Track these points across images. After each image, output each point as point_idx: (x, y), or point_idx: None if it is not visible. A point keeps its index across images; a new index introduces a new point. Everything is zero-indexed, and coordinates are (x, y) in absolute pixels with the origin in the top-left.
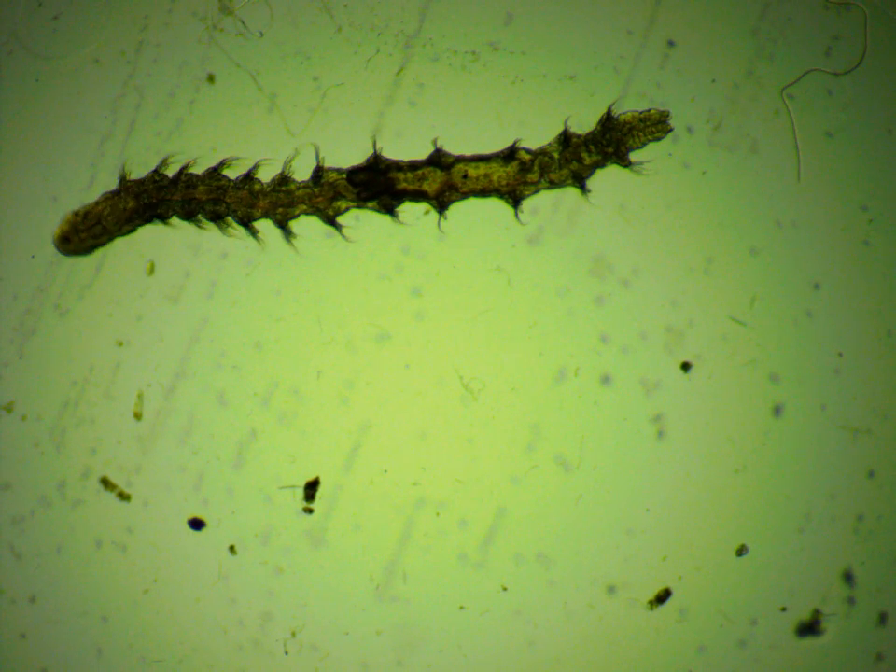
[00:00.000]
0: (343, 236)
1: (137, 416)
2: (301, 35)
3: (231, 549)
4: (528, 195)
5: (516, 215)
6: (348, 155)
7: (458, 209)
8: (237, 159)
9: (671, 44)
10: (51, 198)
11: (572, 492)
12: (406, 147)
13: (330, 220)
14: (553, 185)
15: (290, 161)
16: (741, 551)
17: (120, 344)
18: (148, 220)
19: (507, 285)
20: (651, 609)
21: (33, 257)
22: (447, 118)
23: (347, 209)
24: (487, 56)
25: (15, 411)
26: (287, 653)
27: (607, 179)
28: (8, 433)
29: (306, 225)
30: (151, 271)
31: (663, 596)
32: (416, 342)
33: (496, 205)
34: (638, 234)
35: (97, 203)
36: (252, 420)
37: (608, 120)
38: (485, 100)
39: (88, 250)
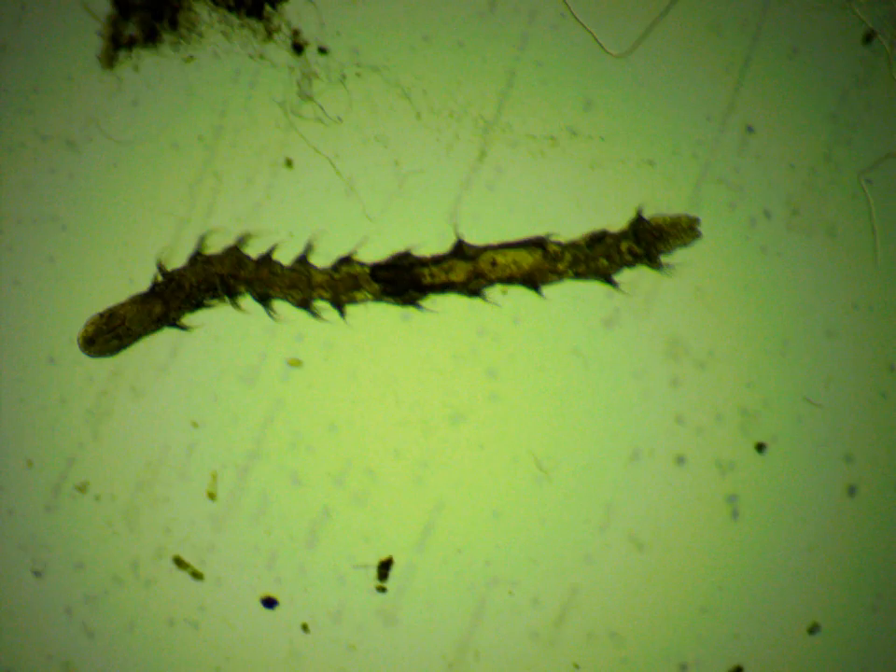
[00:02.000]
0: (346, 322)
1: (211, 496)
2: (380, 120)
3: (304, 627)
4: (553, 283)
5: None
6: (426, 239)
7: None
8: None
9: (750, 129)
10: (128, 280)
11: (645, 571)
12: (484, 231)
13: (338, 306)
14: (578, 277)
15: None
16: (813, 629)
17: (195, 425)
18: (181, 315)
19: (583, 367)
20: None
21: None
22: (525, 202)
23: (364, 300)
24: (566, 141)
25: (89, 491)
26: None
27: (683, 261)
28: (82, 513)
29: (382, 307)
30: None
31: None
32: (491, 422)
33: (571, 288)
34: (715, 316)
35: (123, 304)
36: (326, 499)
37: (638, 223)
38: (564, 185)
39: (113, 351)
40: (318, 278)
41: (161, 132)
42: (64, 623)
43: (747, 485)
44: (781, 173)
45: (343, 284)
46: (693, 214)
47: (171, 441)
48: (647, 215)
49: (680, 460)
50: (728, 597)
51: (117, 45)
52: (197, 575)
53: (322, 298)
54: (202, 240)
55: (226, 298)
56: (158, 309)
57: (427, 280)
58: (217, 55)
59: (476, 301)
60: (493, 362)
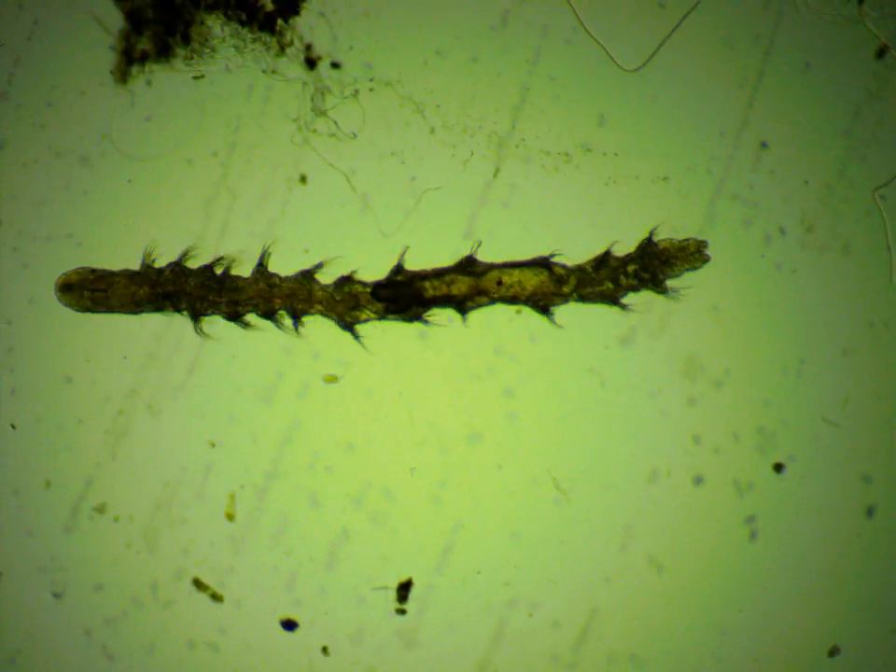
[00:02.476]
0: (362, 345)
1: (230, 517)
2: (394, 136)
3: (324, 650)
4: (558, 305)
5: (549, 319)
6: (440, 255)
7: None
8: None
9: (764, 145)
10: None
11: (665, 592)
12: (498, 248)
13: (348, 327)
14: (583, 300)
15: (268, 252)
16: (833, 652)
17: (213, 445)
18: (160, 309)
19: (599, 386)
20: None
21: (124, 358)
22: (540, 219)
23: (367, 320)
24: (580, 157)
25: (107, 512)
26: None
27: (699, 280)
28: (101, 534)
29: (400, 328)
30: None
31: None
32: (508, 442)
33: (587, 307)
34: (731, 335)
35: (115, 274)
36: (345, 520)
37: (647, 246)
38: (578, 201)
39: (81, 309)
40: (319, 294)
41: (174, 147)
42: (84, 645)
43: (765, 506)
44: (796, 189)
45: (345, 304)
46: (700, 238)
47: (188, 462)
48: (658, 236)
49: (698, 480)
50: (747, 619)
51: (130, 59)
52: (216, 597)
53: (323, 315)
54: (220, 259)
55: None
56: (142, 294)
57: (430, 293)
58: (230, 70)
59: (493, 320)
60: (510, 381)
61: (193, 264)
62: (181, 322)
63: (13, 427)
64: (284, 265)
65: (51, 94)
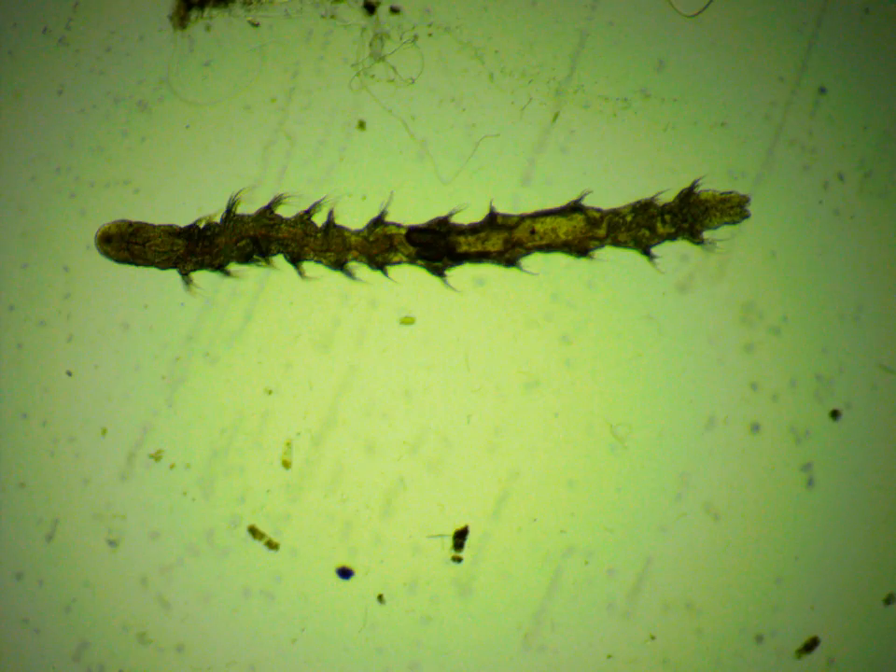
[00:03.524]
0: (389, 277)
1: (286, 465)
2: (453, 81)
3: (380, 598)
4: (593, 249)
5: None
6: (498, 202)
7: (607, 256)
8: (291, 196)
9: (822, 91)
10: None
11: (721, 540)
12: (556, 194)
13: (379, 266)
14: (618, 245)
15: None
16: (890, 599)
17: (270, 392)
18: (200, 267)
19: (657, 332)
20: (799, 657)
21: (182, 304)
22: (598, 165)
23: (399, 262)
24: (638, 103)
25: (163, 459)
26: None
27: (758, 226)
28: (157, 482)
29: (459, 275)
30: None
31: (811, 645)
32: (565, 389)
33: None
34: (788, 281)
35: (155, 227)
36: (401, 468)
37: (688, 195)
38: (636, 147)
39: (119, 261)
40: (353, 240)
41: (233, 93)
42: (140, 593)
43: (822, 453)
44: (854, 135)
45: (378, 245)
46: (744, 192)
47: (245, 409)
48: (707, 186)
49: (755, 427)
50: (804, 567)
51: (189, 5)
52: (272, 545)
53: (357, 260)
54: (275, 201)
55: (260, 259)
56: (179, 249)
57: (463, 248)
58: (289, 15)
59: (550, 266)
60: (567, 328)
61: (248, 210)
62: (238, 268)
63: (69, 374)
64: (342, 212)
65: (110, 40)
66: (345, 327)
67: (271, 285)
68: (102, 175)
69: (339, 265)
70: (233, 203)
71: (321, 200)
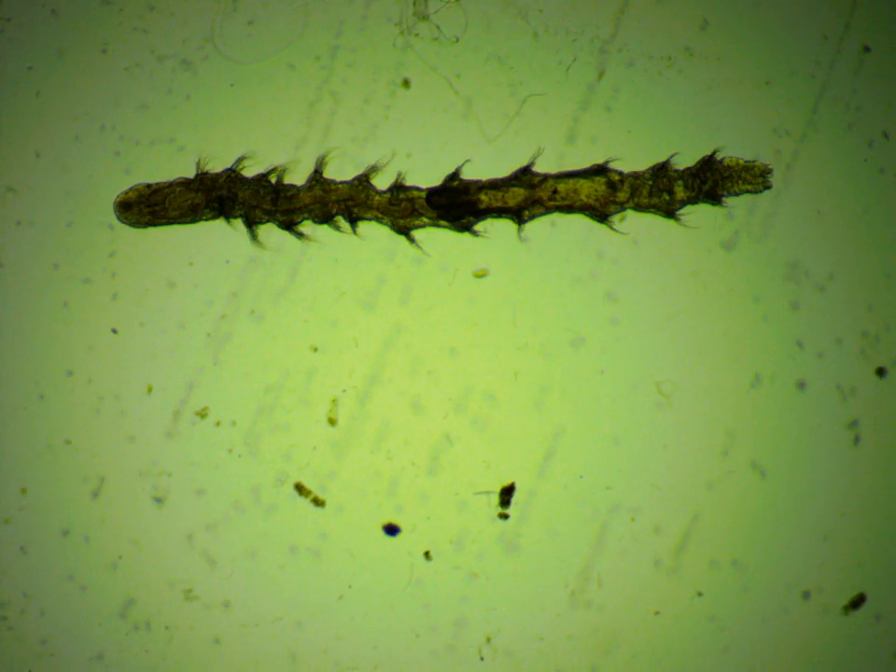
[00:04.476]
0: (419, 247)
1: (332, 422)
2: (497, 40)
3: (426, 555)
4: (614, 213)
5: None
6: (542, 161)
7: (652, 216)
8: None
9: (867, 49)
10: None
11: (767, 497)
12: (600, 152)
13: (403, 231)
14: (639, 208)
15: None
16: None
17: (315, 350)
18: (216, 216)
19: (702, 289)
20: (846, 614)
21: (227, 262)
22: (642, 123)
23: (423, 226)
24: (682, 61)
25: (209, 416)
26: (482, 658)
27: (803, 184)
28: (203, 439)
29: (500, 230)
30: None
31: (857, 602)
32: (611, 346)
33: (689, 211)
34: (834, 239)
35: (170, 184)
36: (447, 425)
37: (709, 161)
38: (680, 105)
39: (144, 225)
40: (376, 201)
41: (277, 52)
42: (186, 550)
43: (868, 410)
44: None
45: (401, 210)
46: (768, 163)
47: (291, 366)
48: (741, 150)
49: (801, 385)
50: (851, 525)
51: None
52: (318, 502)
53: (378, 221)
54: (320, 160)
55: (342, 222)
56: (198, 198)
57: (484, 203)
58: None
59: (595, 224)
60: (612, 285)
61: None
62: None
63: (114, 331)
64: (386, 168)
65: None
66: (391, 284)
67: (315, 242)
68: (146, 134)
69: (403, 230)
70: (321, 164)
71: (377, 163)
